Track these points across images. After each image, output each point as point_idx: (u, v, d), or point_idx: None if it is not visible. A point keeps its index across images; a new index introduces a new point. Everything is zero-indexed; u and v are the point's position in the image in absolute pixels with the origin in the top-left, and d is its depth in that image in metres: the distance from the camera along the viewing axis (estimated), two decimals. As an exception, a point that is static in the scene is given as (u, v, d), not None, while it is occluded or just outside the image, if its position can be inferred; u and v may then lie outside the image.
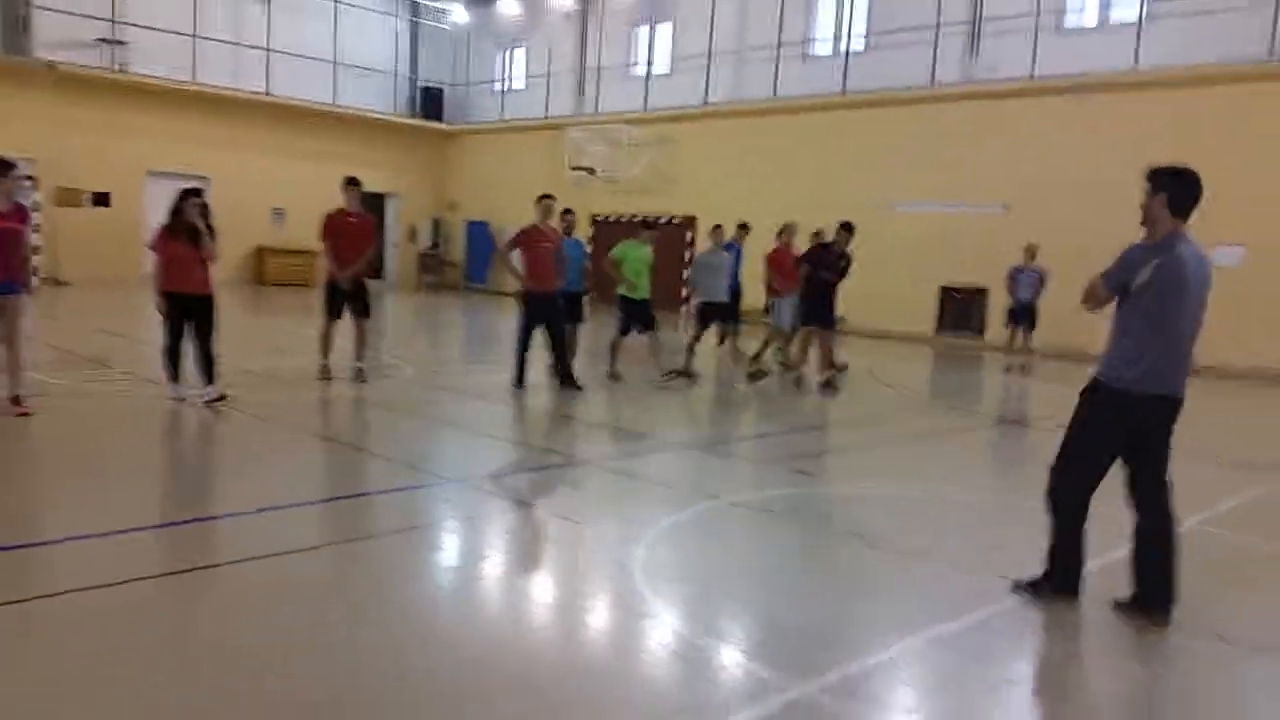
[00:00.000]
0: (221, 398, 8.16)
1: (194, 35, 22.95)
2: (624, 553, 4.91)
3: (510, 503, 6.06)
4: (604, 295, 21.64)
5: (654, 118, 22.69)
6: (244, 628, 3.85)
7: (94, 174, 21.74)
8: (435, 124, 27.79)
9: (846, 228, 11.18)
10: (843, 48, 20.13)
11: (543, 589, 4.67)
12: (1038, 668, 4.09)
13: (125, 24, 22.16)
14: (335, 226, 10.08)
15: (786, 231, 13.14)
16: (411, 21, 27.91)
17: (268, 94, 24.20)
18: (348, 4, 25.69)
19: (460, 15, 27.12)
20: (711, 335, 12.36)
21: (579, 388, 10.11)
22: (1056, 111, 16.87)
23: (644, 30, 23.92)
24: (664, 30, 23.63)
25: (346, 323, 10.08)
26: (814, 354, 11.60)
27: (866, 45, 19.87)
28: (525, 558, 5.13)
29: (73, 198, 21.39)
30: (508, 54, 27.32)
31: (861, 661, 3.78)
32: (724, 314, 12.05)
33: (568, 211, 11.16)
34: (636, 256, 10.95)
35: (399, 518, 5.58)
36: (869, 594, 4.73)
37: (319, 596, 4.23)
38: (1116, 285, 4.35)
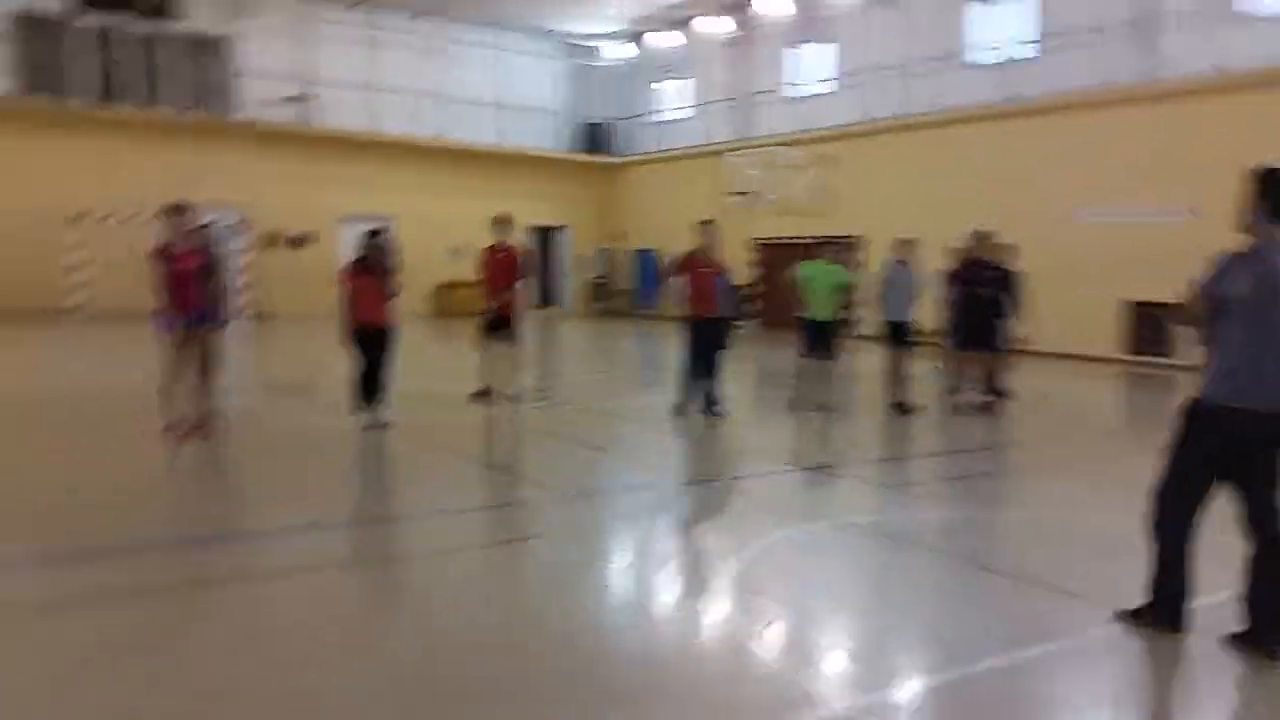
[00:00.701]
0: (386, 425, 8.80)
1: (373, 87, 24.67)
2: (718, 566, 5.02)
3: (619, 518, 6.23)
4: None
5: (813, 138, 22.57)
6: (415, 613, 4.49)
7: (292, 219, 23.70)
8: (601, 157, 28.68)
9: (978, 237, 10.78)
10: (1008, 54, 19.45)
11: (633, 594, 4.85)
12: (1118, 697, 3.89)
13: (314, 82, 24.16)
14: (486, 260, 10.74)
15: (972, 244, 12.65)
16: (578, 62, 28.94)
17: (443, 138, 25.67)
18: (515, 51, 26.99)
19: (621, 50, 27.93)
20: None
21: (722, 414, 10.20)
22: (1244, 106, 15.69)
23: (802, 50, 23.86)
24: (825, 50, 23.53)
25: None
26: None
27: (1036, 49, 19.14)
28: (627, 566, 5.30)
29: (275, 241, 23.39)
30: (669, 84, 27.87)
31: (923, 681, 3.73)
32: (901, 334, 11.17)
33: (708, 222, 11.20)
34: (818, 276, 10.76)
35: (527, 526, 5.94)
36: (959, 615, 4.61)
37: (462, 593, 4.79)
38: (1213, 298, 4.15)
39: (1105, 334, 17.61)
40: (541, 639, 4.12)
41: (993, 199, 18.74)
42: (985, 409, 10.86)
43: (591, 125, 28.91)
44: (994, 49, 19.97)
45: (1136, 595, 4.39)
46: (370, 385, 8.85)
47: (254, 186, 22.86)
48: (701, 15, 25.55)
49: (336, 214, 24.17)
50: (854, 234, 21.60)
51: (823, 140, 22.36)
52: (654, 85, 28.24)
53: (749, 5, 24.64)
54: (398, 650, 3.95)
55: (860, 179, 21.57)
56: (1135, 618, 4.38)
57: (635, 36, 27.76)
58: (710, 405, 10.24)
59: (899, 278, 10.95)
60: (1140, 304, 17.27)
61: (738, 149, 23.72)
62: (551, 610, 4.48)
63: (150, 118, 22.08)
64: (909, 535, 5.98)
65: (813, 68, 23.71)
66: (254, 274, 22.47)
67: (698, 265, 10.17)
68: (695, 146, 25.84)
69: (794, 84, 24.05)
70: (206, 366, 8.33)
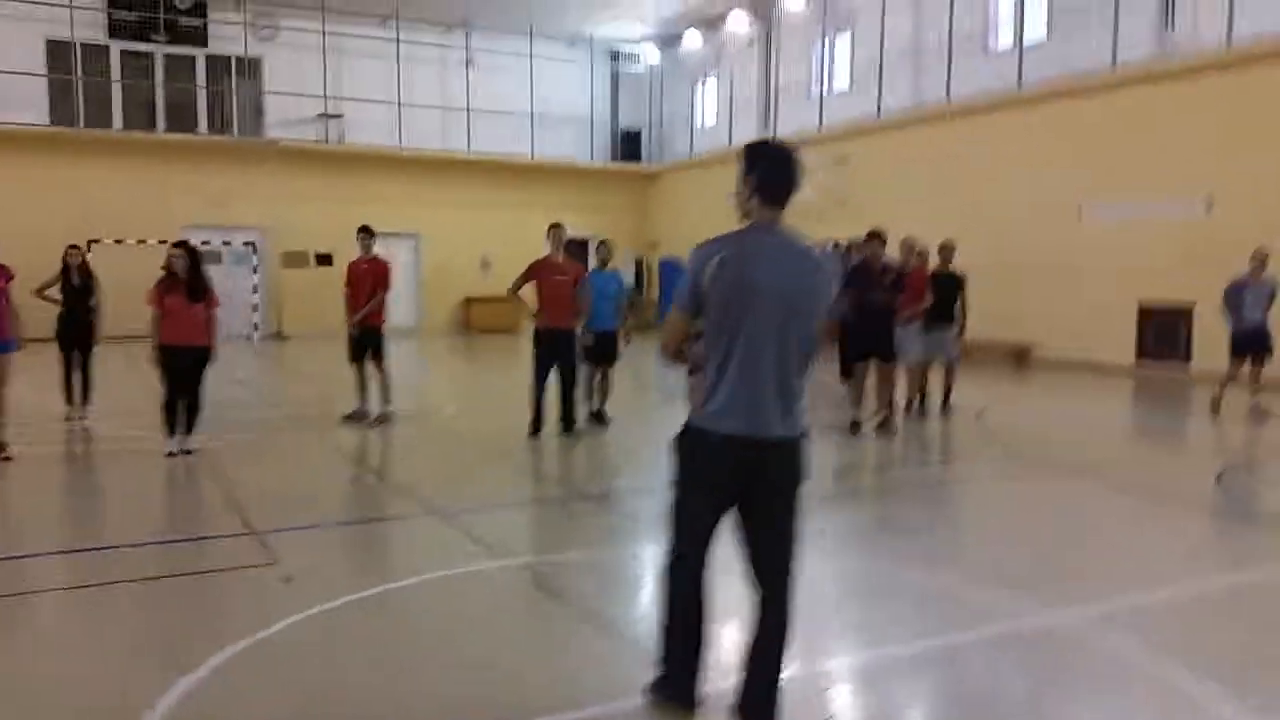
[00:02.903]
0: (189, 452, 8.45)
1: (399, 103, 24.79)
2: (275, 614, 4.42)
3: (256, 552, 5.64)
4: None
5: (828, 137, 21.46)
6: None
7: (316, 237, 23.92)
8: (633, 165, 28.15)
9: (873, 238, 9.81)
10: (1022, 36, 17.95)
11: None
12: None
13: (341, 99, 24.46)
14: (351, 273, 10.43)
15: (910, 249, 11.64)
16: (611, 68, 28.47)
17: (470, 152, 25.62)
18: (545, 58, 26.63)
19: (652, 56, 27.35)
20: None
21: (575, 433, 9.58)
22: (1265, 83, 13.94)
23: (824, 45, 22.74)
24: (844, 43, 22.37)
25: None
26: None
27: (1049, 30, 17.61)
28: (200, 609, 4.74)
29: (299, 260, 23.72)
30: (700, 88, 27.15)
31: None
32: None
33: (602, 244, 10.66)
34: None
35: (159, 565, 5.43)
36: (524, 664, 3.92)
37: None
38: (692, 303, 3.37)
39: (1122, 340, 15.95)
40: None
41: (1001, 193, 17.50)
42: (882, 426, 9.85)
43: (626, 133, 28.45)
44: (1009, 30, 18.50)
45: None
46: (175, 410, 8.52)
47: (279, 205, 23.30)
48: (734, 9, 24.43)
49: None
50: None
51: (835, 139, 21.26)
52: (691, 89, 27.52)
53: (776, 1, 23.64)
54: None
55: (873, 177, 20.37)
56: (653, 690, 3.59)
57: (669, 39, 27.07)
58: (566, 423, 9.59)
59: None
60: (1150, 307, 15.59)
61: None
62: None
63: (176, 141, 22.79)
64: (555, 575, 5.25)
65: (834, 63, 22.56)
66: (273, 294, 22.92)
67: (546, 272, 9.55)
68: (721, 150, 25.02)
69: (815, 81, 22.93)
70: (3, 390, 8.25)
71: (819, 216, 20.76)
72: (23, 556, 5.62)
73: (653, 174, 28.34)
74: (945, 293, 11.00)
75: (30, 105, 21.57)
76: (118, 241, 20.72)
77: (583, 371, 10.11)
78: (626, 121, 28.68)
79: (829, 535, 5.89)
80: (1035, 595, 4.92)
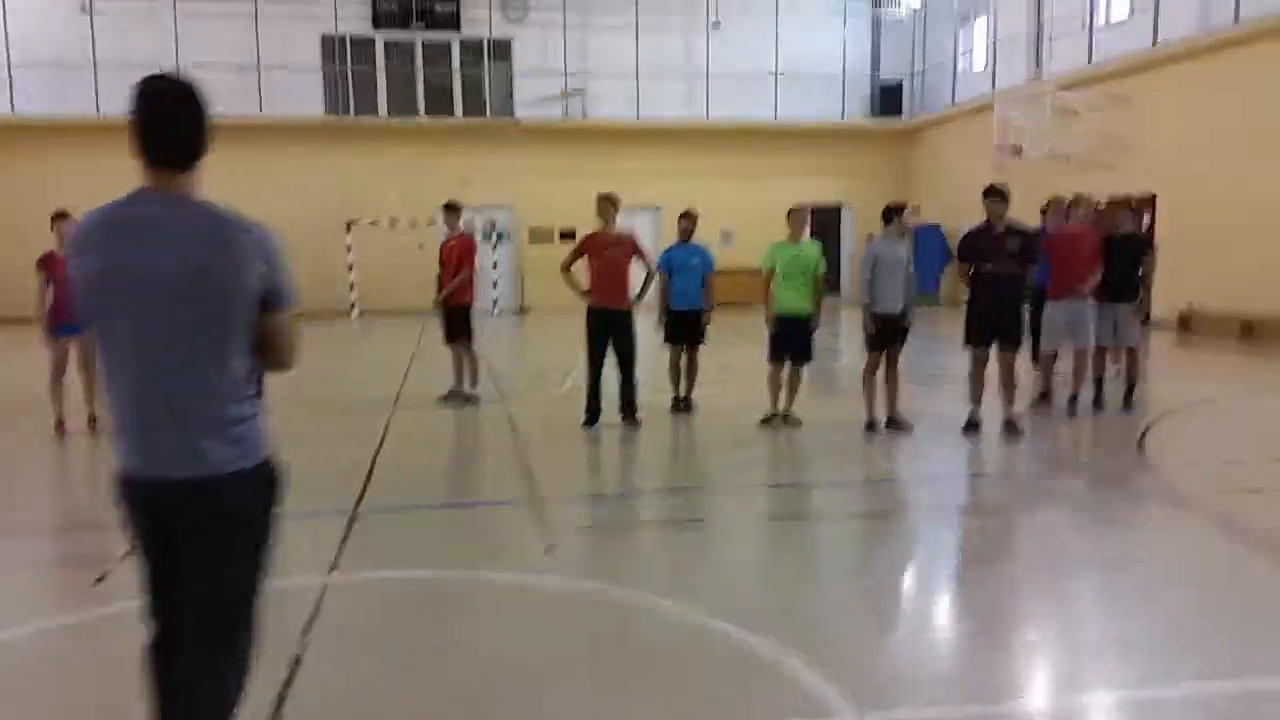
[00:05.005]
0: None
1: (637, 75, 24.46)
2: None
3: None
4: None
5: (1100, 74, 18.31)
6: None
7: (561, 213, 24.23)
8: (889, 122, 25.82)
9: (991, 194, 7.81)
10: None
11: None
12: None
13: (586, 75, 24.59)
14: (440, 252, 10.16)
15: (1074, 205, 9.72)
16: (872, 16, 26.24)
17: (709, 119, 24.77)
18: (796, 13, 25.11)
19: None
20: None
21: (637, 422, 8.66)
22: None
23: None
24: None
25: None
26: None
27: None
28: None
29: (544, 236, 24.23)
30: (968, 30, 24.28)
31: None
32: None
33: (685, 215, 9.52)
34: (789, 259, 8.52)
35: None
36: None
37: None
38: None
39: None
40: None
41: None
42: (1008, 426, 7.97)
43: (885, 86, 26.17)
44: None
45: None
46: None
47: (525, 183, 23.89)
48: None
49: (601, 204, 24.41)
50: (1148, 192, 17.22)
51: (1109, 77, 18.08)
52: (956, 31, 24.73)
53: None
54: None
55: (1154, 122, 17.08)
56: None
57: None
58: (625, 412, 8.69)
59: (886, 255, 8.37)
60: None
61: (1010, 98, 20.11)
62: None
63: (430, 125, 24.02)
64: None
65: (1113, -11, 19.16)
66: (517, 269, 23.60)
67: (597, 247, 8.65)
68: (985, 97, 22.22)
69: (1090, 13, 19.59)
70: (89, 368, 8.77)
71: (1095, 168, 17.87)
72: None
73: (912, 129, 25.83)
74: (1119, 261, 8.72)
75: (308, 98, 23.64)
76: (372, 223, 22.27)
77: (667, 354, 9.34)
78: (886, 74, 26.40)
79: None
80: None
